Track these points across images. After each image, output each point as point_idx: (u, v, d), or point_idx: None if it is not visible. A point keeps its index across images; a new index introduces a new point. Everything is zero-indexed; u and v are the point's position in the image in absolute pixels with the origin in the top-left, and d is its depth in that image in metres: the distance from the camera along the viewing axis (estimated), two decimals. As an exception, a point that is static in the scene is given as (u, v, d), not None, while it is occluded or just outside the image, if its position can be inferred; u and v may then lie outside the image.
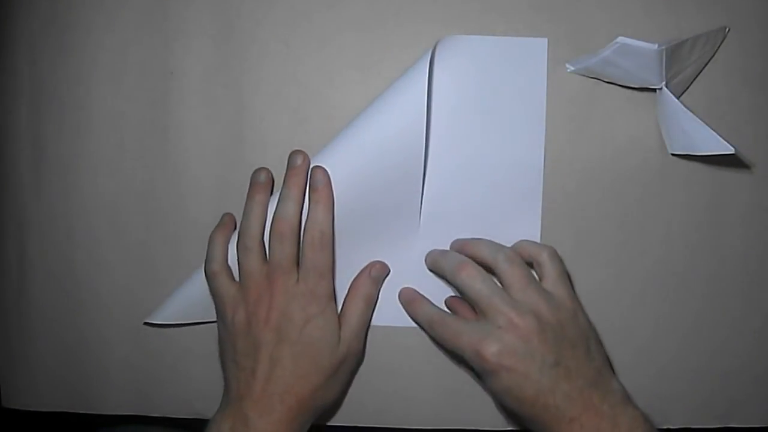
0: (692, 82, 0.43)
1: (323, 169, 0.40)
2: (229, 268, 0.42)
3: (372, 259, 0.44)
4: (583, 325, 0.39)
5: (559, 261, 0.41)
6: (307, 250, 0.40)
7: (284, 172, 0.43)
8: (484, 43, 0.43)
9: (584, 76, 0.44)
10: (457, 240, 0.44)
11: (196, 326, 0.46)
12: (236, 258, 0.42)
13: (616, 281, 0.45)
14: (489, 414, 0.45)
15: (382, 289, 0.44)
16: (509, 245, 0.44)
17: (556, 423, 0.37)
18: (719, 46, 0.43)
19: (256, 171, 0.43)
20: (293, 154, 0.41)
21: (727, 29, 0.43)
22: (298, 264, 0.41)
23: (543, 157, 0.44)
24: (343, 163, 0.41)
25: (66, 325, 0.47)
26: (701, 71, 0.43)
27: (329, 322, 0.41)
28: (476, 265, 0.40)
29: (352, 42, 0.44)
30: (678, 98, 0.41)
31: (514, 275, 0.39)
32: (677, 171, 0.44)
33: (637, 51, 0.39)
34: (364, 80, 0.44)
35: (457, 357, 0.44)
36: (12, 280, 0.47)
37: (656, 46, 0.38)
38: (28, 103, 0.46)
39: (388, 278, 0.44)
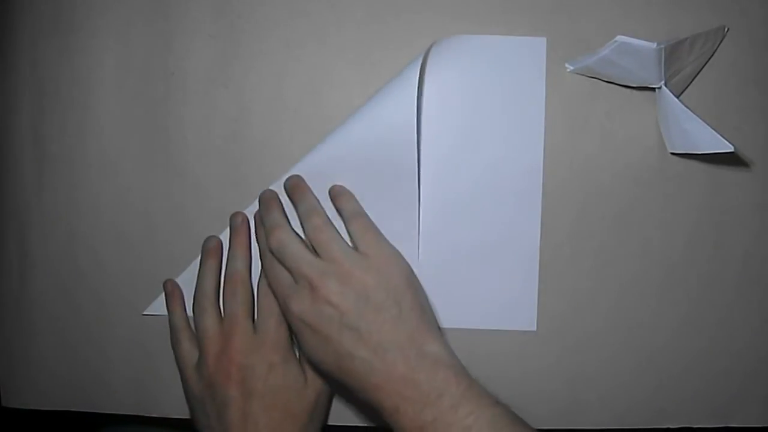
0: (692, 81, 0.43)
1: None
2: (191, 333, 0.44)
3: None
4: (396, 286, 0.37)
5: (371, 225, 0.40)
6: (262, 298, 0.42)
7: (284, 172, 0.44)
8: (483, 42, 0.43)
9: (583, 75, 0.44)
10: (293, 178, 0.42)
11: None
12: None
13: (615, 280, 0.45)
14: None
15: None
16: (509, 245, 0.44)
17: (362, 389, 0.36)
18: (718, 46, 0.43)
19: (207, 240, 0.44)
20: (233, 216, 0.44)
21: (726, 28, 0.43)
22: (252, 318, 0.42)
23: (542, 156, 0.44)
24: (334, 166, 0.41)
25: (67, 325, 0.47)
26: (700, 70, 0.43)
27: (292, 368, 0.42)
28: (288, 229, 0.39)
29: (352, 42, 0.44)
30: (677, 97, 0.41)
31: (319, 239, 0.38)
32: (677, 170, 0.44)
33: (637, 50, 0.39)
34: (364, 80, 0.44)
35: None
36: (13, 279, 0.47)
37: (655, 45, 0.38)
38: (29, 103, 0.46)
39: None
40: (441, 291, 0.44)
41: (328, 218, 0.40)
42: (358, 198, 0.42)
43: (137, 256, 0.46)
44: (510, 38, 0.43)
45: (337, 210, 0.41)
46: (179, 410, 0.46)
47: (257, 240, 0.43)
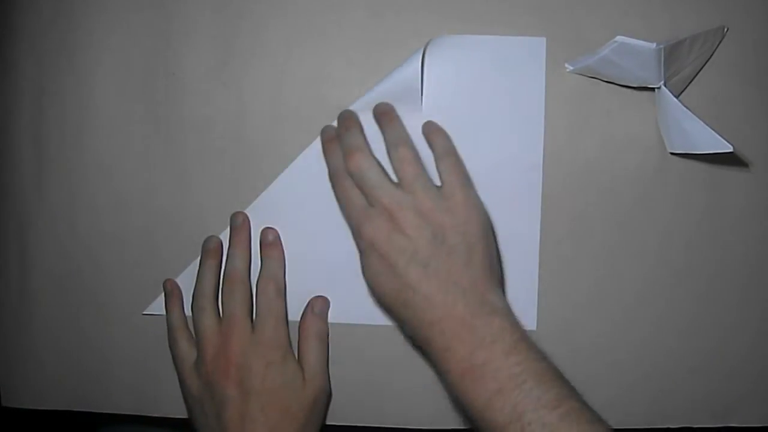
0: (691, 81, 0.43)
1: (272, 228, 0.44)
2: (188, 333, 0.44)
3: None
4: (471, 234, 0.37)
5: (461, 169, 0.39)
6: (261, 297, 0.42)
7: (284, 171, 0.44)
8: (482, 42, 0.43)
9: (583, 75, 0.44)
10: (383, 105, 0.42)
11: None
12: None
13: (615, 280, 0.45)
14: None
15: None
16: (509, 245, 0.44)
17: (416, 324, 0.37)
18: (718, 46, 0.43)
19: (207, 240, 0.44)
20: (234, 216, 0.44)
21: (725, 29, 0.43)
22: (251, 317, 0.42)
23: (542, 156, 0.44)
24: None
25: (66, 325, 0.47)
26: (700, 70, 0.43)
27: (290, 367, 0.42)
28: (367, 153, 0.39)
29: (352, 42, 0.44)
30: (677, 97, 0.41)
31: (405, 171, 0.38)
32: (676, 170, 0.44)
33: (636, 50, 0.39)
34: (365, 80, 0.44)
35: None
36: (13, 279, 0.47)
37: (655, 45, 0.39)
38: (30, 103, 0.46)
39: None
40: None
41: (417, 152, 0.39)
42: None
43: (137, 256, 0.46)
44: (510, 38, 0.43)
45: (429, 144, 0.41)
46: (178, 410, 0.46)
47: (326, 158, 0.42)
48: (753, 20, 0.44)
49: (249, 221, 0.44)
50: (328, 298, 0.45)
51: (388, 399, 0.46)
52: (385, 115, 0.41)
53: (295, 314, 0.44)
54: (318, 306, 0.44)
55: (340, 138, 0.41)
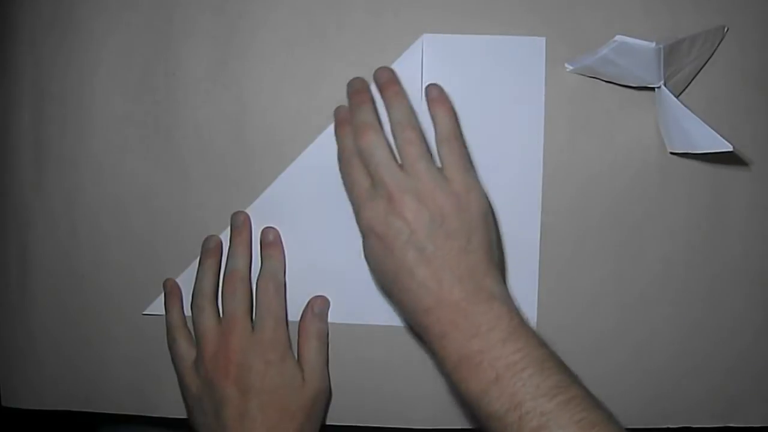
0: (691, 81, 0.43)
1: (273, 228, 0.44)
2: (187, 332, 0.44)
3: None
4: (471, 219, 0.37)
5: (463, 152, 0.39)
6: (261, 296, 0.42)
7: (284, 171, 0.44)
8: (482, 42, 0.43)
9: (583, 75, 0.44)
10: (386, 71, 0.41)
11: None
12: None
13: (615, 280, 0.45)
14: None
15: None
16: (509, 245, 0.44)
17: (413, 310, 0.36)
18: (718, 45, 0.43)
19: (207, 239, 0.45)
20: (235, 215, 0.44)
21: (725, 28, 0.43)
22: (251, 316, 0.42)
23: (542, 156, 0.44)
24: (334, 160, 0.41)
25: (67, 325, 0.47)
26: (700, 70, 0.43)
27: (290, 367, 0.42)
28: (378, 131, 0.39)
29: (352, 42, 0.44)
30: (677, 97, 0.41)
31: (408, 153, 0.38)
32: (676, 169, 0.44)
33: (636, 49, 0.39)
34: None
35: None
36: (13, 279, 0.47)
37: (654, 44, 0.39)
38: (30, 103, 0.46)
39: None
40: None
41: (421, 133, 0.39)
42: None
43: (137, 256, 0.46)
44: (510, 38, 0.43)
45: (432, 118, 0.40)
46: (178, 410, 0.46)
47: (337, 138, 0.41)
48: (753, 20, 0.44)
49: (250, 221, 0.44)
50: (328, 298, 0.45)
51: (388, 399, 0.46)
52: (390, 86, 0.40)
53: (295, 314, 0.44)
54: (318, 306, 0.44)
55: (351, 113, 0.40)
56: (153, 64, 0.45)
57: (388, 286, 0.37)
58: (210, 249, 0.44)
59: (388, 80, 0.41)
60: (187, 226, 0.46)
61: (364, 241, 0.38)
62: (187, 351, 0.43)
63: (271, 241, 0.44)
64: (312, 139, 0.44)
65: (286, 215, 0.44)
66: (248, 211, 0.44)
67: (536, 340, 0.35)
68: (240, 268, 0.43)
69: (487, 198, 0.39)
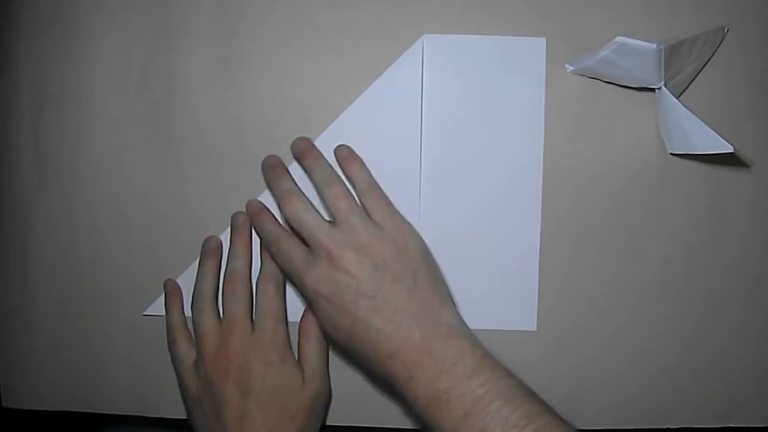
0: (691, 82, 0.43)
1: None
2: (188, 333, 0.44)
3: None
4: (412, 259, 0.38)
5: (385, 197, 0.40)
6: (262, 297, 0.42)
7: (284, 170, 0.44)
8: (483, 42, 0.43)
9: (583, 75, 0.44)
10: (302, 141, 0.42)
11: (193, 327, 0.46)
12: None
13: (615, 281, 0.45)
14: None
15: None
16: (509, 245, 0.44)
17: (377, 359, 0.36)
18: (718, 46, 0.43)
19: (206, 240, 0.45)
20: (235, 216, 0.44)
21: (726, 29, 0.43)
22: (251, 317, 0.42)
23: (542, 157, 0.44)
24: (333, 160, 0.42)
25: (66, 325, 0.47)
26: (700, 71, 0.43)
27: (290, 368, 0.42)
28: (302, 197, 0.40)
29: (352, 42, 0.44)
30: (677, 98, 0.40)
31: (339, 208, 0.39)
32: (677, 170, 0.44)
33: (636, 50, 0.39)
34: (365, 80, 0.44)
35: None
36: (13, 280, 0.47)
37: (655, 45, 0.38)
38: (29, 103, 0.46)
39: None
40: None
41: (347, 187, 0.40)
42: None
43: (137, 257, 0.46)
44: (509, 38, 0.43)
45: (348, 177, 0.41)
46: (178, 411, 0.46)
47: (258, 230, 0.42)
48: (753, 20, 0.44)
49: (249, 222, 0.44)
50: None
51: (388, 399, 0.46)
52: (307, 152, 0.42)
53: (295, 315, 0.44)
54: None
55: (270, 186, 0.42)
56: (152, 64, 0.45)
57: (347, 342, 0.38)
58: (210, 250, 0.44)
59: (305, 148, 0.42)
60: (186, 226, 0.46)
61: (314, 309, 0.39)
62: (187, 352, 0.43)
63: None
64: (312, 139, 0.44)
65: None
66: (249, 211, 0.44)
67: (501, 371, 0.35)
68: (240, 269, 0.43)
69: (420, 237, 0.40)
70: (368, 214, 0.39)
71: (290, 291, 0.44)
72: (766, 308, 0.45)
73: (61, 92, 0.46)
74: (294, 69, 0.45)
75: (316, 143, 0.44)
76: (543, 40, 0.43)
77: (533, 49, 0.43)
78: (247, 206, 0.44)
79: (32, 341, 0.47)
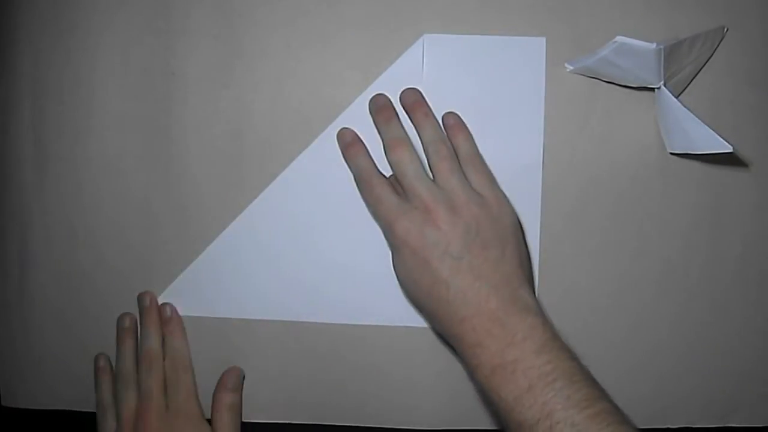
0: (691, 82, 0.43)
1: (170, 304, 0.45)
2: (114, 409, 0.45)
3: (371, 255, 0.44)
4: (504, 230, 0.38)
5: (486, 167, 0.40)
6: (170, 373, 0.44)
7: (284, 171, 0.44)
8: (483, 42, 0.43)
9: (583, 75, 0.44)
10: (413, 95, 0.42)
11: (195, 327, 0.46)
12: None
13: (615, 280, 0.45)
14: (490, 414, 0.45)
15: (380, 287, 0.44)
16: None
17: (448, 320, 0.36)
18: (718, 46, 0.43)
19: (120, 318, 0.46)
20: (141, 297, 0.46)
21: (725, 29, 0.43)
22: (164, 393, 0.44)
23: (542, 156, 0.44)
24: (334, 160, 0.42)
25: (67, 325, 0.47)
26: (700, 71, 0.43)
27: None
28: (410, 146, 0.39)
29: (352, 42, 0.44)
30: (676, 97, 0.41)
31: (442, 168, 0.39)
32: (676, 170, 0.44)
33: (636, 50, 0.39)
34: (365, 80, 0.44)
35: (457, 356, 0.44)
36: (13, 279, 0.47)
37: (655, 45, 0.39)
38: (30, 103, 0.46)
39: (384, 276, 0.42)
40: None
41: (454, 150, 0.40)
42: (357, 195, 0.42)
43: (137, 257, 0.46)
44: (509, 38, 0.43)
45: (454, 144, 0.41)
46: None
47: (350, 161, 0.42)
48: (753, 20, 0.44)
49: (156, 300, 0.46)
50: (330, 298, 0.45)
51: (388, 399, 0.46)
52: (418, 108, 0.41)
53: (301, 315, 0.45)
54: (231, 381, 0.45)
55: (379, 128, 0.41)
56: (152, 63, 0.45)
57: (422, 298, 0.38)
58: (125, 328, 0.46)
59: (416, 101, 0.42)
60: (186, 226, 0.46)
61: (396, 256, 0.38)
62: (112, 428, 0.45)
63: (169, 317, 0.45)
64: (312, 139, 0.44)
65: (285, 215, 0.44)
66: (248, 211, 0.44)
67: (568, 352, 0.35)
68: (153, 347, 0.44)
69: (516, 214, 0.39)
70: (470, 181, 0.39)
71: (291, 291, 0.44)
72: (766, 308, 0.45)
73: (60, 92, 0.46)
74: (294, 69, 0.45)
75: (316, 143, 0.44)
76: (543, 40, 0.43)
77: (533, 48, 0.43)
78: (339, 135, 0.43)
79: (31, 340, 0.47)
